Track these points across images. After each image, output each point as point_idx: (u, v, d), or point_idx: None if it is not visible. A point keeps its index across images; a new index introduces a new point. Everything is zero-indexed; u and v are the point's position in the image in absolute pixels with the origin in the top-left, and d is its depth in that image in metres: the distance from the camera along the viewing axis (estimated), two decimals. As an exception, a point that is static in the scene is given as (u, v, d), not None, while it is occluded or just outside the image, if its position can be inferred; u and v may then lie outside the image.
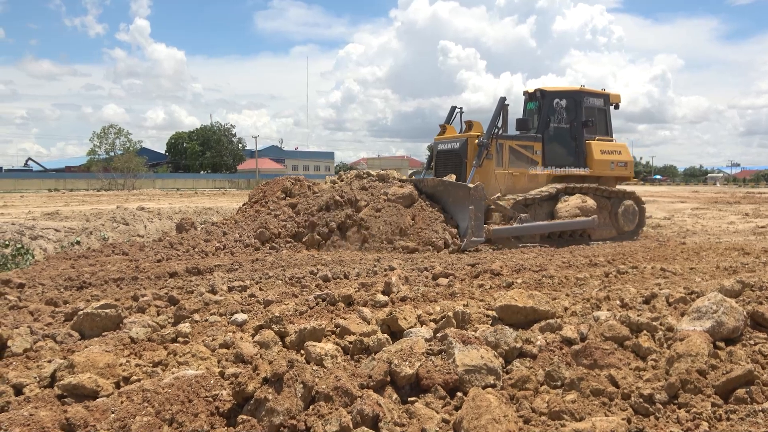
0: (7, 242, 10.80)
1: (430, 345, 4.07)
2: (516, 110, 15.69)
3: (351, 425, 3.08)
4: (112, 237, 13.90)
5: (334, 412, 3.16)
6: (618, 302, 5.23)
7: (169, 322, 5.29)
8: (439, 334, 4.20)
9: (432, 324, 4.76)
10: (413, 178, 14.86)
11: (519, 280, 6.99)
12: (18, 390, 3.59)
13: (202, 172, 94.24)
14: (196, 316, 5.38)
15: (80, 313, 5.06)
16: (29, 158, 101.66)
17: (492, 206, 12.62)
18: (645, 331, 4.23)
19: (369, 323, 4.75)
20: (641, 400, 3.38)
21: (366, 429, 3.09)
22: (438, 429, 3.16)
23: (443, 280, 7.13)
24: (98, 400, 3.40)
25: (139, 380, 3.72)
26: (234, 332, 4.89)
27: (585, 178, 14.68)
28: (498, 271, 7.78)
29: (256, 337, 4.47)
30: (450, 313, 4.63)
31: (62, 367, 3.74)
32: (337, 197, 12.60)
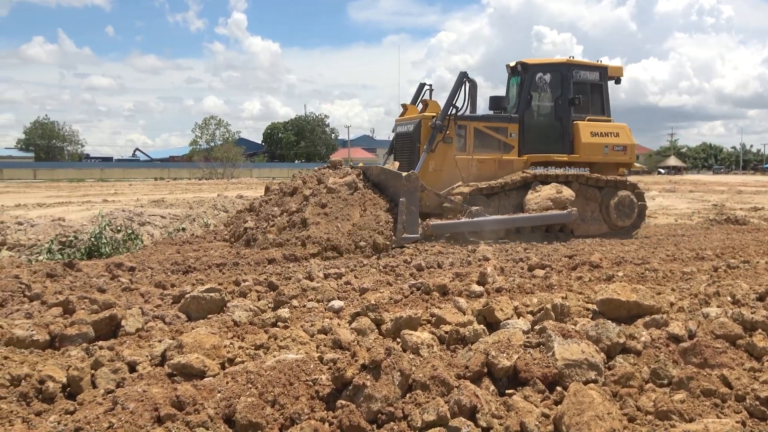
0: (119, 228, 11.47)
1: (527, 337, 4.00)
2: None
3: (448, 415, 3.07)
4: (213, 224, 14.48)
5: (431, 401, 3.16)
6: (729, 298, 4.95)
7: (269, 307, 5.46)
8: (537, 327, 4.11)
9: (529, 316, 4.68)
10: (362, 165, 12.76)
11: (620, 273, 6.75)
12: (132, 367, 3.81)
13: (296, 161, 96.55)
14: (295, 302, 5.52)
15: (187, 296, 5.31)
16: (137, 149, 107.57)
17: (427, 199, 11.04)
18: (760, 330, 3.98)
19: (464, 313, 4.72)
20: (758, 402, 3.18)
21: (463, 419, 3.07)
22: (538, 423, 3.10)
23: (539, 272, 6.99)
24: (205, 379, 3.55)
25: (242, 362, 3.86)
26: (331, 318, 4.99)
27: (571, 165, 12.61)
28: (597, 263, 7.53)
29: (353, 324, 4.53)
30: (548, 306, 4.53)
31: (172, 347, 3.93)
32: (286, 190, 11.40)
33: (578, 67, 13.18)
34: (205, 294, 5.22)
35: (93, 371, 3.63)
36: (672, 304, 4.84)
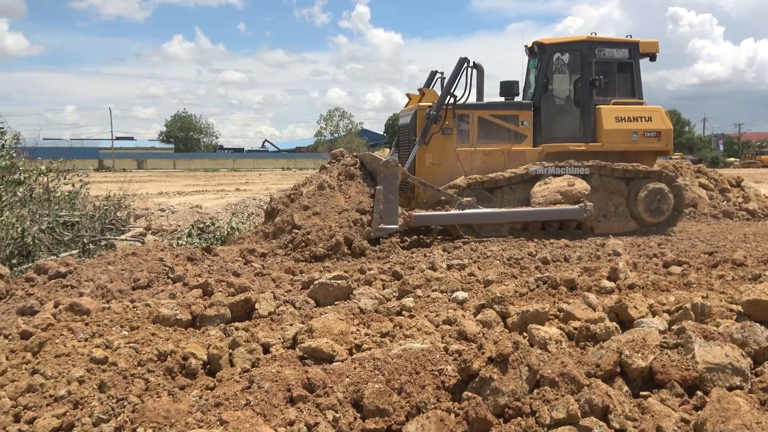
0: (250, 215, 12.05)
1: (664, 337, 3.79)
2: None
3: (579, 414, 2.98)
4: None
5: (560, 398, 3.08)
6: None
7: (393, 296, 5.54)
8: (675, 327, 3.89)
9: (665, 315, 4.44)
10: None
11: None
12: (266, 348, 3.99)
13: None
14: (419, 292, 5.56)
15: (315, 282, 5.50)
16: (266, 140, 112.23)
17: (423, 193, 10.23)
18: None
19: (595, 310, 4.55)
20: None
21: (595, 419, 2.97)
22: (676, 428, 2.94)
23: (676, 269, 6.61)
24: (334, 364, 3.66)
25: (369, 349, 3.94)
26: (455, 309, 4.98)
27: (595, 155, 11.09)
28: (741, 261, 7.00)
29: (479, 316, 4.50)
30: (687, 305, 4.27)
31: (302, 331, 4.08)
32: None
33: (601, 45, 11.60)
34: (332, 281, 5.38)
35: (231, 350, 3.84)
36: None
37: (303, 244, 8.16)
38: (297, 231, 8.43)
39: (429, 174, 10.74)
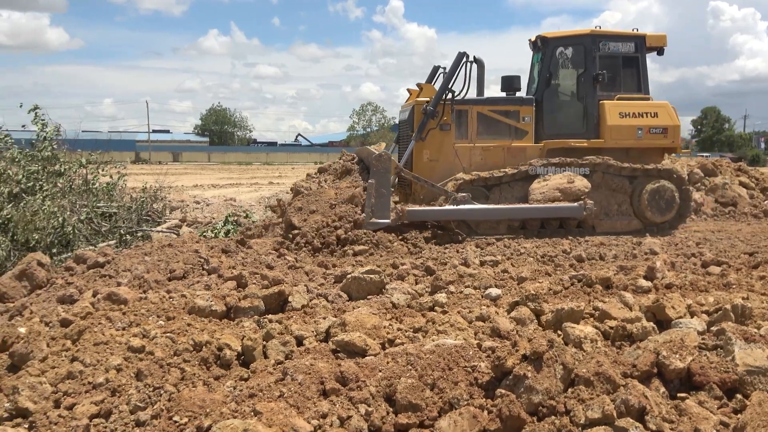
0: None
1: (703, 339, 3.73)
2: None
3: (614, 414, 2.93)
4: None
5: (595, 398, 3.04)
6: None
7: (426, 291, 5.53)
8: (714, 328, 3.82)
9: (704, 316, 4.35)
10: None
11: (811, 275, 6.07)
12: (299, 341, 4.01)
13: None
14: (452, 288, 5.54)
15: (348, 276, 5.51)
16: (299, 134, 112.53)
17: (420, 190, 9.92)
18: None
19: (631, 309, 4.49)
20: None
21: (631, 420, 2.92)
22: (715, 432, 2.88)
23: (715, 269, 6.46)
24: (367, 357, 3.67)
25: (401, 344, 3.94)
26: (488, 306, 4.95)
27: (598, 151, 10.69)
28: (784, 261, 6.83)
29: (512, 314, 4.47)
30: (727, 306, 4.19)
31: (335, 325, 4.10)
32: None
33: (606, 38, 11.27)
34: (365, 275, 5.39)
35: (264, 342, 3.87)
36: None
37: (304, 241, 8.17)
38: (296, 231, 8.41)
39: (427, 170, 10.53)
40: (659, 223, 10.56)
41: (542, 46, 11.40)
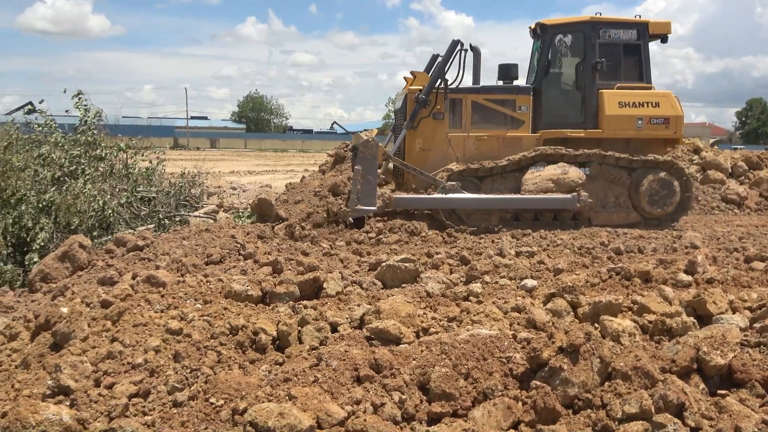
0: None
1: (745, 335, 3.65)
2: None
3: (652, 409, 2.88)
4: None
5: (633, 392, 2.99)
6: None
7: (461, 281, 5.50)
8: (757, 325, 3.73)
9: (747, 312, 4.24)
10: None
11: None
12: (334, 327, 4.03)
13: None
14: (487, 278, 5.50)
15: (383, 264, 5.51)
16: (334, 122, 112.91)
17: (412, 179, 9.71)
18: None
19: (671, 303, 4.39)
20: None
21: (669, 416, 2.87)
22: (756, 430, 2.81)
23: (759, 264, 6.29)
24: (401, 345, 3.67)
25: (435, 332, 3.93)
26: (524, 297, 4.90)
27: (597, 142, 10.37)
28: (830, 258, 6.62)
29: (548, 305, 4.42)
30: (772, 302, 4.07)
31: (370, 312, 4.11)
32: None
33: (606, 25, 10.84)
34: (400, 264, 5.38)
35: (300, 328, 3.90)
36: None
37: (293, 230, 8.17)
38: (281, 222, 8.50)
39: (419, 159, 10.40)
40: (658, 217, 10.25)
41: (541, 34, 11.06)
